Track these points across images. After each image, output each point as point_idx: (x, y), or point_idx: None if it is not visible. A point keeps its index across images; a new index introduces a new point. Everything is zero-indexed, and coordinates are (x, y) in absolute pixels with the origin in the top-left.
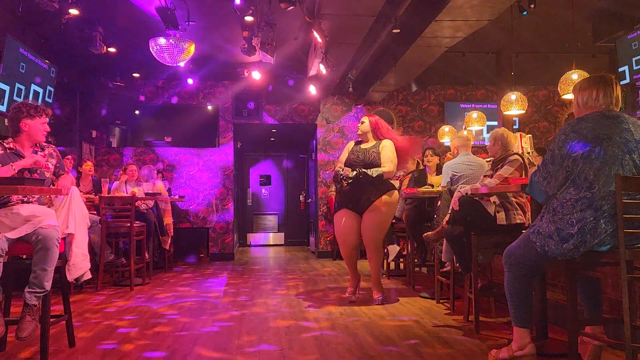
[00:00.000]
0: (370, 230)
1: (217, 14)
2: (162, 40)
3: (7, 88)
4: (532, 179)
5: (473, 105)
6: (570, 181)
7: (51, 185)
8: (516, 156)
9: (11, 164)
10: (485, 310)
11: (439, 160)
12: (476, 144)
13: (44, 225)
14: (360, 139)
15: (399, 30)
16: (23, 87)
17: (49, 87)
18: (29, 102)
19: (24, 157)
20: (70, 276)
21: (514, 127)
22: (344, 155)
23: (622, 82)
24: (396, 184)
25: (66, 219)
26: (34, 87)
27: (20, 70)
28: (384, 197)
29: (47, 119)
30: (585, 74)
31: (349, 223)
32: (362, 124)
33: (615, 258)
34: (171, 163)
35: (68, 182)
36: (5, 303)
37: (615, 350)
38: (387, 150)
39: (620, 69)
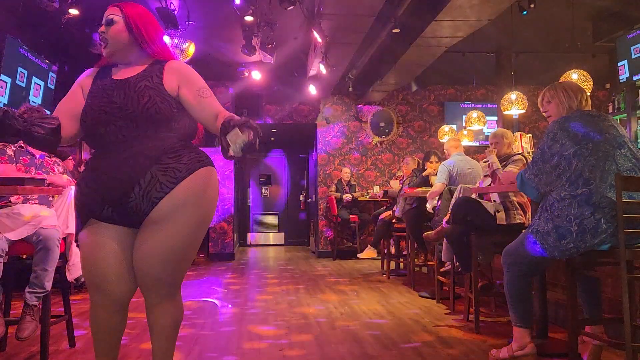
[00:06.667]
0: (159, 261)
1: (217, 14)
2: None
3: (6, 88)
4: (523, 176)
5: (473, 105)
6: (565, 179)
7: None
8: (519, 156)
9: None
10: (485, 310)
11: None
12: (476, 144)
13: (45, 225)
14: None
15: (398, 30)
16: (23, 88)
17: (48, 87)
18: (30, 105)
19: (34, 155)
20: (71, 276)
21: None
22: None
23: (622, 82)
24: (396, 184)
25: (66, 219)
26: (33, 87)
27: (20, 70)
28: (189, 183)
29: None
30: (585, 74)
31: (108, 252)
32: (109, 24)
33: (615, 258)
34: None
35: (60, 180)
36: (5, 303)
37: (615, 350)
38: (197, 79)
39: (620, 69)
